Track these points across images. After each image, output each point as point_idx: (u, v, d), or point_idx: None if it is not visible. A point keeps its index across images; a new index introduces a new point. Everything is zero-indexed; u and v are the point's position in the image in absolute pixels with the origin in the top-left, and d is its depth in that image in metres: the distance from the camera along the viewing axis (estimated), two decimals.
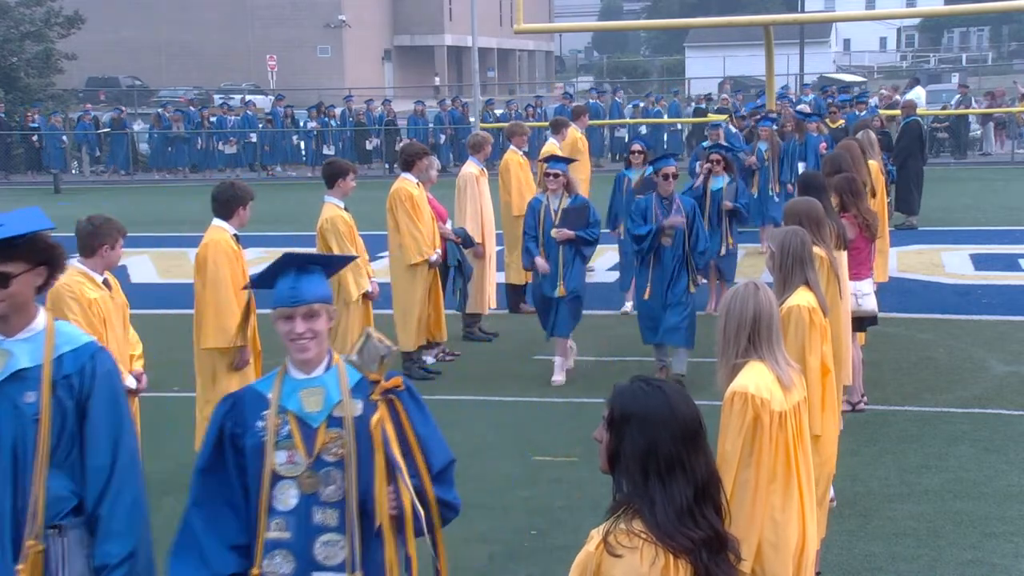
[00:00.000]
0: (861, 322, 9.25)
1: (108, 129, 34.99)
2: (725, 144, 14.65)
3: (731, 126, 20.11)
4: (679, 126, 33.50)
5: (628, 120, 33.42)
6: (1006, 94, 33.80)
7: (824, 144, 16.20)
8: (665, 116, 33.70)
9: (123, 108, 37.11)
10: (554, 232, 10.52)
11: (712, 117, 27.04)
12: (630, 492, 3.21)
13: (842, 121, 20.30)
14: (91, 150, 35.84)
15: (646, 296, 10.44)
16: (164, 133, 33.96)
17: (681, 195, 10.79)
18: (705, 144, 16.18)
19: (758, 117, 19.63)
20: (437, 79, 59.57)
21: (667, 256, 10.36)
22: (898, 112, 22.95)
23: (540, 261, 10.60)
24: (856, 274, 8.74)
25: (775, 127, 17.14)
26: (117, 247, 6.71)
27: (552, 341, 10.90)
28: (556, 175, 10.69)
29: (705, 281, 10.84)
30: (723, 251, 12.95)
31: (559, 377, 10.69)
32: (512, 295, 13.55)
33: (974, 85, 40.34)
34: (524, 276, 13.16)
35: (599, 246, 11.32)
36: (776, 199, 16.16)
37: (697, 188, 12.85)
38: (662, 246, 10.36)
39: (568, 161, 11.20)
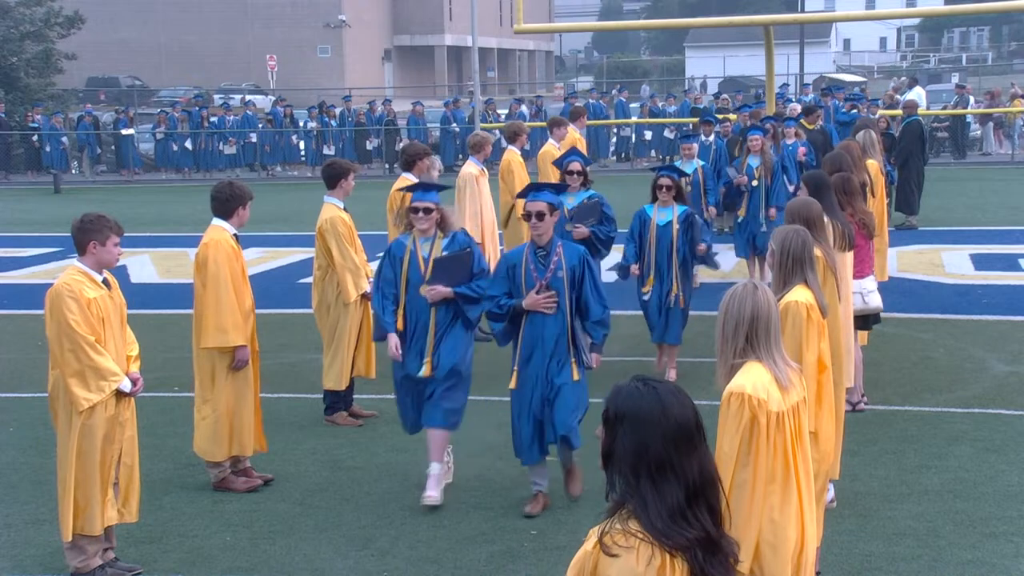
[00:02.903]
0: (866, 320, 9.26)
1: (111, 130, 34.95)
2: (675, 167, 11.42)
3: (702, 135, 16.89)
4: (691, 127, 33.42)
5: (631, 120, 33.40)
6: (1003, 94, 33.84)
7: (803, 149, 15.24)
8: (675, 115, 33.61)
9: (127, 110, 37.05)
10: (424, 290, 7.63)
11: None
12: (624, 492, 3.20)
13: (820, 122, 17.95)
14: (91, 151, 35.85)
15: (512, 384, 7.49)
16: (171, 134, 33.91)
17: (565, 240, 7.79)
18: (678, 162, 14.18)
19: (749, 124, 16.56)
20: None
21: (548, 328, 7.36)
22: (899, 112, 22.89)
23: (393, 340, 7.67)
24: (859, 272, 8.74)
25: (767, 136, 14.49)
26: (108, 244, 6.63)
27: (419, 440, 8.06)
28: (427, 209, 7.62)
29: (593, 365, 7.64)
30: (671, 303, 10.43)
31: (433, 492, 7.62)
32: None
33: (974, 85, 40.35)
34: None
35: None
36: (766, 228, 13.55)
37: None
38: (537, 313, 7.37)
39: (439, 189, 7.94)
